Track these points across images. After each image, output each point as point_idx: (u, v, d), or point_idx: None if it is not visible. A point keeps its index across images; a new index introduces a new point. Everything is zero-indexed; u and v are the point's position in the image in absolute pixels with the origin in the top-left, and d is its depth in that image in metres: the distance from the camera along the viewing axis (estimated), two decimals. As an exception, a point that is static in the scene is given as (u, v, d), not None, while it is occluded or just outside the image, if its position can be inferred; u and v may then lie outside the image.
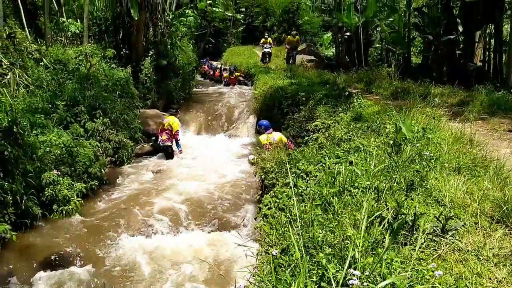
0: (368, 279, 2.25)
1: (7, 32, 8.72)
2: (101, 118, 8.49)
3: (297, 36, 19.13)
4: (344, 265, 2.32)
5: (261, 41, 20.13)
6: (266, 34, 21.40)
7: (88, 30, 11.75)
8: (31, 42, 9.28)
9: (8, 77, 5.63)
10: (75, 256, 5.45)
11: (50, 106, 7.87)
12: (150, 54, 12.35)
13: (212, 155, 9.87)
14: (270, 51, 20.03)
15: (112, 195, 7.35)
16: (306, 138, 7.72)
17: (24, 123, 6.66)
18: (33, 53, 9.20)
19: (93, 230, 6.06)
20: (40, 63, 9.20)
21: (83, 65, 9.99)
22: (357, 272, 2.02)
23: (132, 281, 5.03)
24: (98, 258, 5.47)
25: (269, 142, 8.58)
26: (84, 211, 6.63)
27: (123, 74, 10.46)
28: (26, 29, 10.23)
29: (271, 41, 20.45)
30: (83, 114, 8.27)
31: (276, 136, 8.50)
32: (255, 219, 5.71)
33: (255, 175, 7.34)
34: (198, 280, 4.92)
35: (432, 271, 2.37)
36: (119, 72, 10.46)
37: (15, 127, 6.13)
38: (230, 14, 29.99)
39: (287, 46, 18.83)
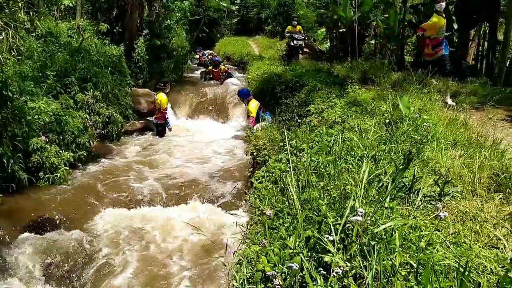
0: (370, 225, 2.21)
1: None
2: (91, 91, 8.35)
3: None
4: (345, 211, 2.27)
5: (287, 30, 15.38)
6: (295, 20, 16.41)
7: (81, 7, 11.55)
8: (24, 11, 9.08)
9: (1, 37, 5.47)
10: (60, 221, 5.34)
11: (40, 75, 7.72)
12: (144, 34, 12.21)
13: (203, 135, 9.80)
14: (302, 44, 15.17)
15: (100, 167, 7.23)
16: (299, 121, 7.67)
17: (14, 88, 6.51)
18: (25, 23, 9.00)
19: (79, 199, 5.94)
20: (32, 34, 9.03)
21: (75, 38, 9.83)
22: (361, 210, 1.97)
23: (117, 248, 4.93)
24: (83, 225, 5.36)
25: (260, 107, 8.74)
26: (70, 180, 6.53)
27: (115, 51, 10.29)
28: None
29: (301, 29, 15.46)
30: (73, 85, 8.11)
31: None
32: (246, 193, 5.66)
33: (246, 154, 7.30)
34: (187, 248, 4.84)
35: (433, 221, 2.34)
36: (111, 49, 10.29)
37: (4, 89, 5.98)
38: (225, 5, 29.81)
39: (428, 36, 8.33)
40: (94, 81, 8.56)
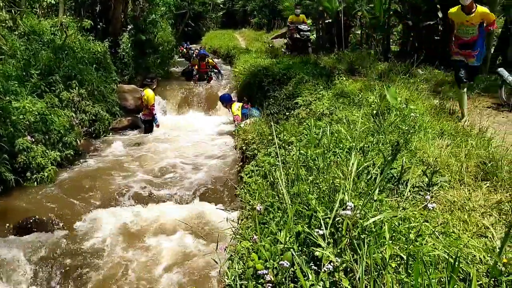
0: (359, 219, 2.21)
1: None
2: (77, 88, 8.27)
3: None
4: (334, 205, 2.27)
5: (289, 20, 13.47)
6: (299, 8, 13.75)
7: (64, 3, 11.39)
8: (6, 10, 8.93)
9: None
10: (48, 222, 5.28)
11: (24, 74, 7.61)
12: (128, 29, 12.09)
13: (191, 131, 9.75)
14: (309, 35, 13.12)
15: (88, 166, 7.17)
16: (287, 114, 7.67)
17: (-2, 88, 6.43)
18: (6, 21, 8.86)
19: (67, 198, 5.88)
20: (14, 33, 8.89)
21: (58, 36, 9.70)
22: (351, 203, 1.97)
23: (105, 249, 4.89)
24: (71, 225, 5.30)
25: (242, 106, 8.72)
26: (58, 179, 6.46)
27: (100, 47, 10.19)
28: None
29: (305, 19, 13.58)
30: (58, 83, 8.02)
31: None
32: (236, 188, 5.65)
33: (235, 148, 7.28)
34: (178, 243, 4.83)
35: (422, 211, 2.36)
36: (96, 45, 10.18)
37: (-13, 90, 5.89)
38: (210, -2, 29.63)
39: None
40: (79, 78, 8.48)
